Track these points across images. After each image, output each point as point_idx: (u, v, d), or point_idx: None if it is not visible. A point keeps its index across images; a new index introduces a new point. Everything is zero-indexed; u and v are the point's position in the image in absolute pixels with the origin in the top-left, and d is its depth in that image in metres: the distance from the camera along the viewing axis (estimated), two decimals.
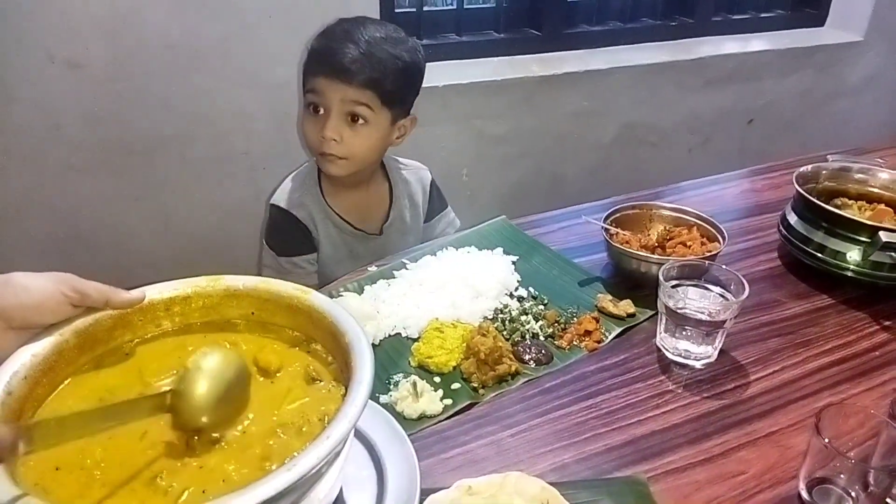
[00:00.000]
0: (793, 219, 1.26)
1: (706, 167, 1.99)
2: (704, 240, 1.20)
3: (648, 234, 1.26)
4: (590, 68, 2.29)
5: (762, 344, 1.06)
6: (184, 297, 0.80)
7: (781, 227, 1.28)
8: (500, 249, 1.25)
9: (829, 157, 1.40)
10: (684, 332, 1.00)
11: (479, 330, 0.99)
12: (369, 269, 1.21)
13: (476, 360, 0.96)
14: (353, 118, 1.26)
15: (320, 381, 0.73)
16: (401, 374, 0.97)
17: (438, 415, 0.90)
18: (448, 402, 0.92)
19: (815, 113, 2.81)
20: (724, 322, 0.98)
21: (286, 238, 1.38)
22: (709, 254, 1.14)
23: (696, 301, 1.01)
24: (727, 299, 1.01)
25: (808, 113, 2.79)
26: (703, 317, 0.99)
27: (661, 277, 1.01)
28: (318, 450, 0.58)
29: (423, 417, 0.90)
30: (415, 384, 0.92)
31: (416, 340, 1.03)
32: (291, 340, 0.80)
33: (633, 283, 1.18)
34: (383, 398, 0.92)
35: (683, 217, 1.25)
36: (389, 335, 1.05)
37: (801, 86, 2.72)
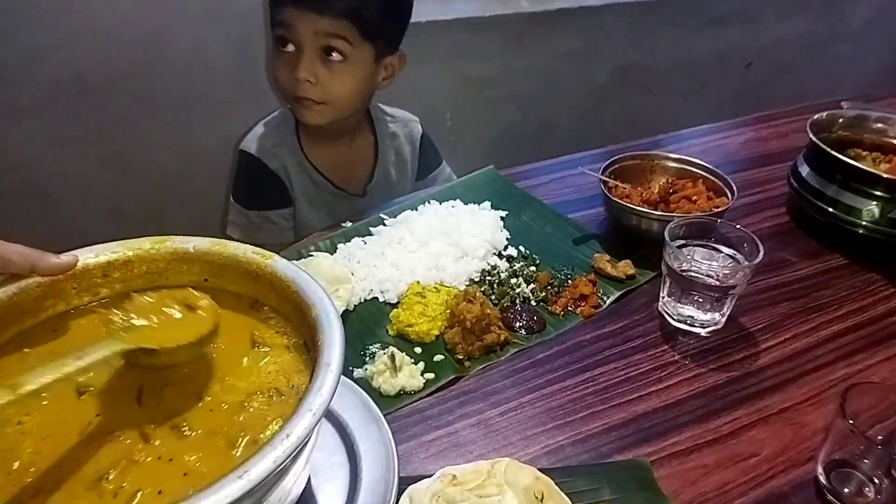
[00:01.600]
0: (804, 170, 1.16)
1: (702, 114, 1.89)
2: (711, 194, 1.10)
3: (649, 188, 1.16)
4: (583, 5, 2.14)
5: (771, 308, 0.97)
6: (124, 262, 0.70)
7: (792, 180, 1.19)
8: (487, 203, 1.14)
9: (843, 104, 1.29)
10: (690, 298, 0.91)
11: (464, 295, 0.89)
12: (343, 225, 1.10)
13: (461, 329, 0.87)
14: (328, 52, 1.11)
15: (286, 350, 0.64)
16: (378, 345, 0.87)
17: (419, 391, 0.81)
18: (430, 376, 0.83)
19: (814, 57, 2.69)
20: (734, 287, 0.89)
21: (256, 189, 1.26)
22: (716, 210, 1.04)
23: (704, 263, 0.92)
24: (738, 262, 0.92)
25: (807, 57, 2.68)
26: (712, 281, 0.89)
27: (666, 237, 0.91)
28: (276, 452, 0.49)
29: (402, 394, 0.80)
30: (393, 357, 0.82)
31: (394, 306, 0.93)
32: (250, 310, 0.69)
33: (632, 241, 1.08)
34: (358, 372, 0.83)
35: (688, 169, 1.15)
36: (365, 300, 0.95)
37: (802, 28, 2.60)
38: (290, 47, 1.11)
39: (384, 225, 1.08)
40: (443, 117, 2.11)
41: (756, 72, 2.63)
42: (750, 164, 1.36)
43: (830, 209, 1.10)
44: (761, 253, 0.88)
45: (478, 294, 0.89)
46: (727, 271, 0.89)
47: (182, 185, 1.80)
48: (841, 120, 1.21)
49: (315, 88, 1.12)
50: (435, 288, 0.94)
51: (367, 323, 0.91)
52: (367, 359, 0.85)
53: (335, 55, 1.11)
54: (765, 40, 2.54)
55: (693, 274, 0.90)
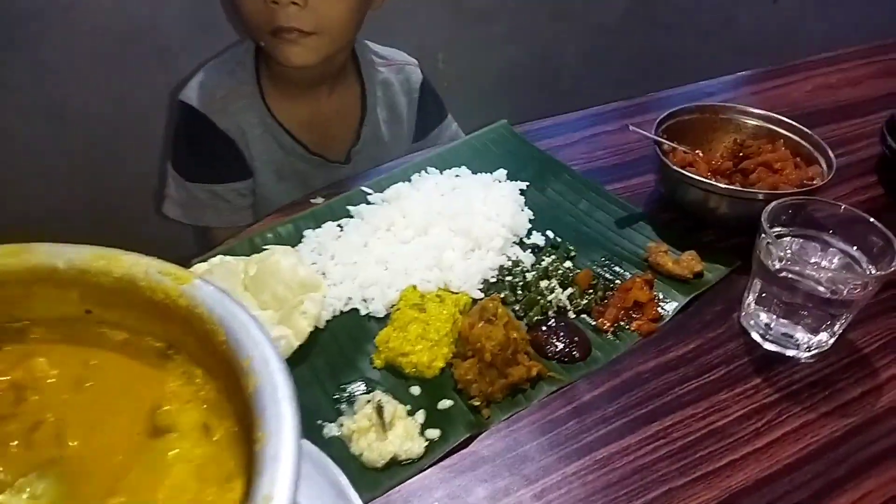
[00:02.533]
0: None
1: (725, 56, 1.62)
2: (798, 160, 0.83)
3: (710, 150, 0.89)
4: None
5: (887, 319, 0.73)
6: None
7: (888, 138, 0.92)
8: (502, 172, 0.87)
9: None
10: (793, 311, 0.66)
11: (481, 312, 0.63)
12: (313, 202, 0.83)
13: (478, 363, 0.61)
14: None
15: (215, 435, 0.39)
16: (359, 383, 0.62)
17: (419, 459, 0.56)
18: (434, 434, 0.57)
19: None
20: (852, 302, 0.64)
21: (201, 154, 0.98)
22: (810, 184, 0.79)
23: (815, 264, 0.66)
24: (856, 262, 0.67)
25: None
26: (823, 291, 0.64)
27: (764, 222, 0.66)
28: None
29: (394, 464, 0.55)
30: (380, 408, 0.56)
31: (382, 321, 0.67)
32: (158, 361, 0.44)
33: (696, 223, 0.82)
34: (330, 429, 0.57)
35: (766, 126, 0.88)
36: (341, 312, 0.68)
37: None
38: None
39: (367, 203, 0.81)
40: (433, 58, 1.80)
41: (785, 7, 2.33)
42: (820, 118, 1.09)
43: None
44: None
45: (500, 310, 0.63)
46: (854, 281, 0.64)
47: (126, 140, 1.49)
48: None
49: (303, 13, 0.84)
50: (437, 296, 0.68)
51: (344, 349, 0.65)
52: (344, 405, 0.60)
53: None
54: None
55: (798, 279, 0.65)
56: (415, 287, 0.69)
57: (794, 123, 0.86)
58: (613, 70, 2.02)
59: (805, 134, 0.85)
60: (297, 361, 0.62)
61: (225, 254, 0.72)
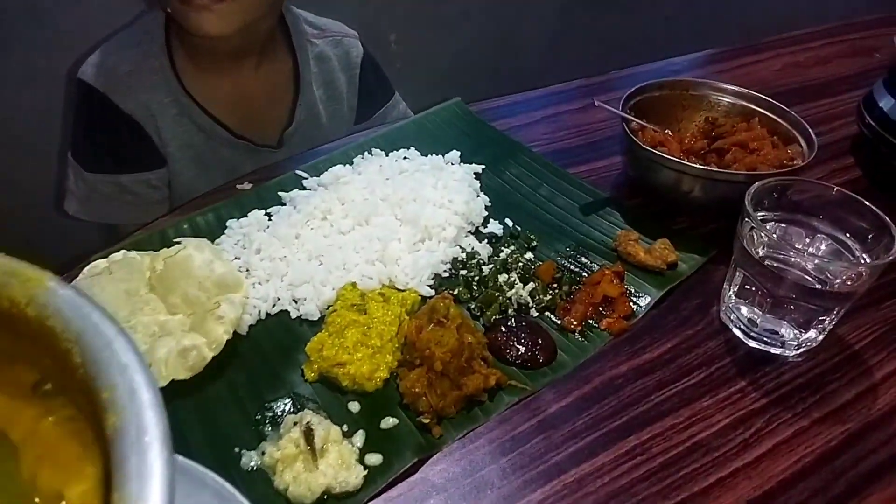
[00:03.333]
0: (888, 103, 0.84)
1: (684, 39, 1.56)
2: (775, 139, 0.77)
3: (680, 130, 0.82)
4: None
5: (875, 312, 0.66)
6: None
7: (866, 117, 0.86)
8: (455, 154, 0.78)
9: None
10: (780, 305, 0.59)
11: (429, 312, 0.54)
12: (239, 187, 0.72)
13: (428, 373, 0.52)
14: None
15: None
16: (286, 401, 0.52)
17: (358, 492, 0.47)
18: (375, 460, 0.48)
19: None
20: (844, 294, 0.57)
21: (104, 141, 0.85)
22: (790, 164, 0.72)
23: (802, 251, 0.59)
24: (851, 252, 0.60)
25: None
26: (811, 281, 0.57)
27: (747, 205, 0.58)
28: None
29: (327, 499, 0.46)
30: (309, 432, 0.47)
31: (316, 325, 0.58)
32: (31, 396, 0.34)
33: (666, 208, 0.75)
34: (249, 458, 0.48)
35: (740, 104, 0.81)
36: (268, 315, 0.59)
37: None
38: None
39: (301, 189, 0.71)
40: (384, 40, 1.70)
41: None
42: (791, 98, 1.02)
43: None
44: None
45: (452, 310, 0.54)
46: (847, 270, 0.57)
47: (9, 129, 1.33)
48: None
49: None
50: (381, 295, 0.59)
51: (270, 359, 0.55)
52: (268, 428, 0.50)
53: None
54: None
55: (784, 267, 0.58)
56: (354, 284, 0.59)
57: (770, 100, 0.79)
58: (575, 51, 1.95)
59: (782, 111, 0.78)
60: (211, 377, 0.53)
61: (130, 248, 0.61)
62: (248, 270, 0.60)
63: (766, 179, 0.61)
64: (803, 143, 0.75)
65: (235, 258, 0.62)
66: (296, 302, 0.59)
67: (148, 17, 0.86)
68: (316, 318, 0.58)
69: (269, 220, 0.66)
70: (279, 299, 0.59)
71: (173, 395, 0.51)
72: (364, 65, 1.00)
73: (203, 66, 0.85)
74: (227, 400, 0.52)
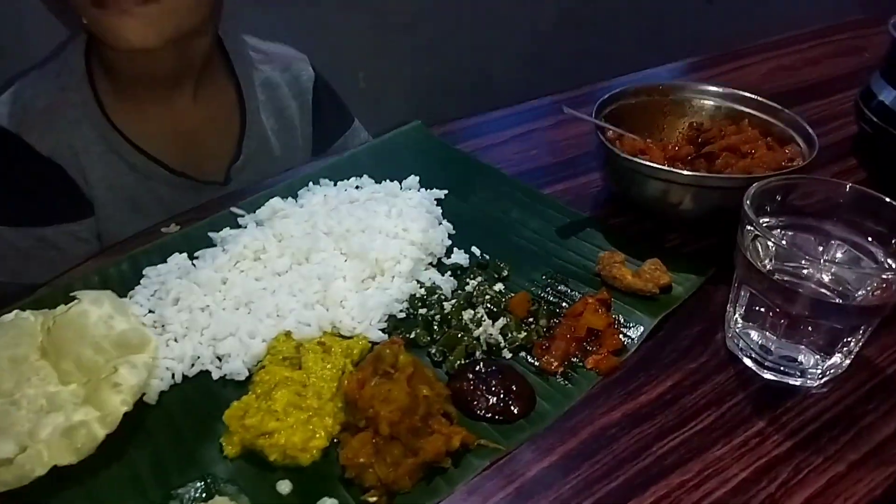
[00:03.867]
0: (889, 96, 0.76)
1: (660, 60, 1.51)
2: (769, 140, 0.68)
3: (662, 138, 0.74)
4: None
5: None
6: None
7: (865, 112, 0.79)
8: (414, 179, 0.69)
9: None
10: (795, 327, 0.49)
11: (374, 363, 0.45)
12: (165, 230, 0.63)
13: (373, 437, 0.42)
14: None
15: None
16: (199, 485, 0.42)
17: None
18: None
19: None
20: (872, 308, 0.48)
21: (17, 189, 0.76)
22: (790, 165, 0.63)
23: (814, 260, 0.50)
24: (876, 259, 0.51)
25: None
26: (830, 296, 0.48)
27: (747, 210, 0.49)
28: None
29: None
30: None
31: (243, 387, 0.48)
32: None
33: (654, 225, 0.66)
34: None
35: (727, 105, 0.73)
36: (185, 378, 0.49)
37: None
38: None
39: (238, 227, 0.62)
40: (353, 75, 1.65)
41: (719, 8, 2.27)
42: (783, 101, 0.94)
43: None
44: None
45: (402, 357, 0.45)
46: (872, 278, 0.48)
47: None
48: None
49: None
50: (321, 344, 0.49)
51: (183, 433, 0.45)
52: None
53: None
54: None
55: (797, 281, 0.49)
56: (288, 334, 0.50)
57: (760, 99, 0.71)
58: (549, 75, 1.89)
59: (775, 110, 0.70)
60: (106, 458, 0.43)
61: (30, 306, 0.52)
62: (163, 326, 0.51)
63: (765, 180, 0.52)
64: (802, 142, 0.66)
65: (149, 312, 0.52)
66: (220, 360, 0.49)
67: (67, 48, 0.77)
68: (243, 378, 0.49)
69: (193, 265, 0.56)
70: (199, 358, 0.49)
71: (57, 485, 0.41)
72: (317, 89, 0.92)
73: (132, 96, 0.77)
74: (125, 487, 0.42)
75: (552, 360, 0.52)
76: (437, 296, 0.56)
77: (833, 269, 0.50)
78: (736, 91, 0.73)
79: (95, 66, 0.75)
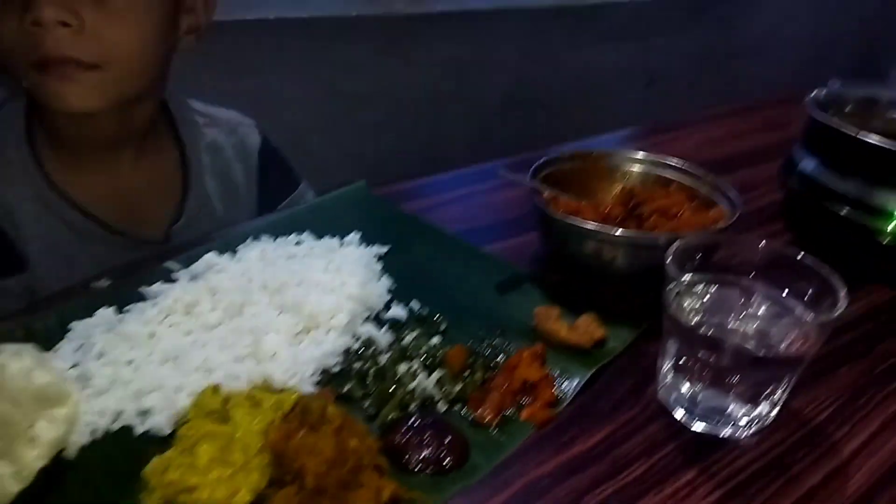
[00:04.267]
0: (809, 165, 0.81)
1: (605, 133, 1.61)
2: (696, 204, 0.72)
3: (596, 202, 0.76)
4: (467, 8, 1.81)
5: (832, 380, 0.59)
6: None
7: (790, 180, 0.83)
8: (355, 236, 0.70)
9: (830, 82, 0.98)
10: (721, 380, 0.51)
11: (301, 415, 0.44)
12: (95, 284, 0.62)
13: (299, 491, 0.41)
14: None
15: None
16: None
17: None
18: None
19: (717, 73, 2.52)
20: (793, 360, 0.50)
21: None
22: (713, 227, 0.66)
23: (738, 315, 0.52)
24: (795, 312, 0.53)
25: (709, 73, 2.50)
26: (753, 347, 0.50)
27: (669, 267, 0.51)
28: None
29: None
30: None
31: (166, 442, 0.46)
32: None
33: (590, 282, 0.68)
34: None
35: (654, 172, 0.77)
36: (107, 433, 0.47)
37: (699, 43, 2.43)
38: None
39: (171, 280, 0.61)
40: (306, 144, 1.67)
41: (658, 89, 2.42)
42: (712, 169, 1.00)
43: (848, 214, 0.75)
44: (842, 295, 0.49)
45: (330, 409, 0.44)
46: (791, 332, 0.49)
47: None
48: (850, 96, 0.87)
49: (79, 40, 0.64)
50: (249, 398, 0.48)
51: (100, 490, 0.43)
52: None
53: None
54: (664, 56, 2.35)
55: (720, 335, 0.51)
56: (216, 388, 0.49)
57: (684, 167, 0.75)
58: (496, 147, 1.96)
59: (698, 176, 0.74)
60: None
61: None
62: (87, 380, 0.49)
63: (686, 238, 0.55)
64: (726, 205, 0.70)
65: (73, 366, 0.50)
66: (143, 414, 0.48)
67: (6, 106, 0.77)
68: (167, 433, 0.47)
69: (120, 320, 0.55)
70: (122, 413, 0.47)
71: None
72: (263, 153, 0.93)
73: (72, 156, 0.76)
74: None
75: (487, 412, 0.52)
76: (372, 349, 0.56)
77: (757, 322, 0.52)
78: (662, 159, 0.77)
79: (36, 129, 0.75)
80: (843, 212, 0.75)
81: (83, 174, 0.77)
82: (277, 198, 0.93)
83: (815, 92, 0.85)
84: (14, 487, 0.40)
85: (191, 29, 0.77)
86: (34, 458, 0.42)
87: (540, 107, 2.08)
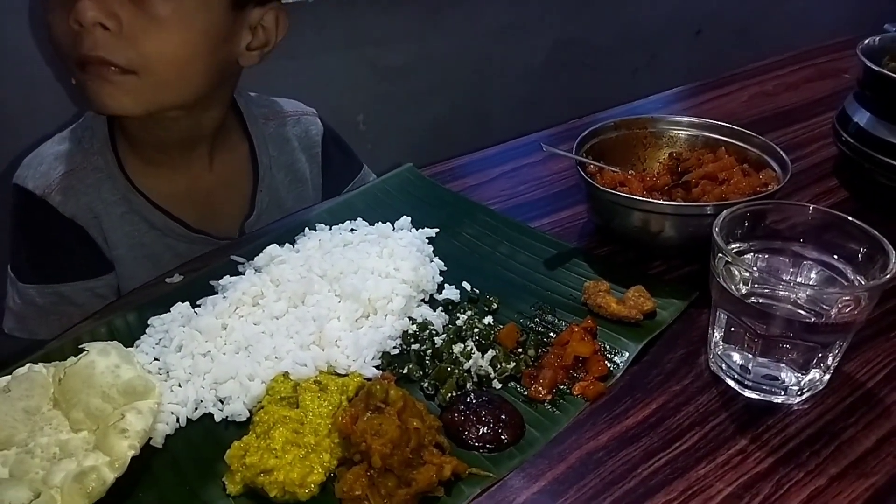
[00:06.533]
0: (862, 118, 0.79)
1: (654, 90, 1.56)
2: (746, 167, 0.71)
3: (644, 169, 0.77)
4: None
5: (886, 341, 0.59)
6: None
7: (843, 134, 0.81)
8: (405, 220, 0.72)
9: (887, 26, 0.94)
10: (772, 347, 0.51)
11: (366, 398, 0.47)
12: (169, 280, 0.66)
13: (367, 470, 0.44)
14: None
15: None
16: None
17: None
18: None
19: (767, 17, 2.40)
20: (845, 325, 0.50)
21: (43, 250, 0.80)
22: (764, 190, 0.66)
23: (789, 283, 0.53)
24: (844, 277, 0.53)
25: (760, 18, 2.39)
26: (806, 314, 0.50)
27: (717, 237, 0.52)
28: None
29: None
30: None
31: (244, 427, 0.50)
32: None
33: (638, 253, 0.69)
34: None
35: (703, 135, 0.76)
36: (189, 421, 0.51)
37: None
38: None
39: (239, 274, 0.65)
40: (353, 121, 1.70)
41: (707, 39, 2.33)
42: (763, 126, 0.98)
43: None
44: (892, 258, 0.49)
45: (392, 392, 0.47)
46: (842, 297, 0.49)
47: None
48: None
49: (115, 43, 0.65)
50: (317, 383, 0.52)
51: (187, 474, 0.48)
52: None
53: None
54: (712, 2, 2.25)
55: (772, 303, 0.51)
56: (286, 375, 0.52)
57: (733, 127, 0.74)
58: (544, 111, 1.94)
59: (748, 136, 0.73)
60: (114, 502, 0.45)
61: (41, 359, 0.55)
62: (168, 373, 0.53)
63: (735, 207, 0.55)
64: (776, 167, 0.69)
65: (155, 359, 0.55)
66: (221, 402, 0.52)
67: (89, 113, 0.81)
68: (244, 419, 0.51)
69: (196, 313, 0.59)
70: (202, 401, 0.52)
71: None
72: (325, 141, 0.95)
73: (150, 160, 0.80)
74: None
75: (540, 388, 0.54)
76: (428, 331, 0.58)
77: (808, 291, 0.53)
78: (710, 121, 0.76)
79: (117, 132, 0.79)
80: None
81: (161, 176, 0.81)
82: (340, 182, 0.96)
83: (867, 40, 0.82)
84: (111, 476, 0.45)
85: (256, 46, 0.77)
86: (126, 448, 0.46)
87: (586, 67, 2.04)
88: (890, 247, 0.49)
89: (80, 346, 0.52)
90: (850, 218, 0.53)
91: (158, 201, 0.81)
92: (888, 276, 0.48)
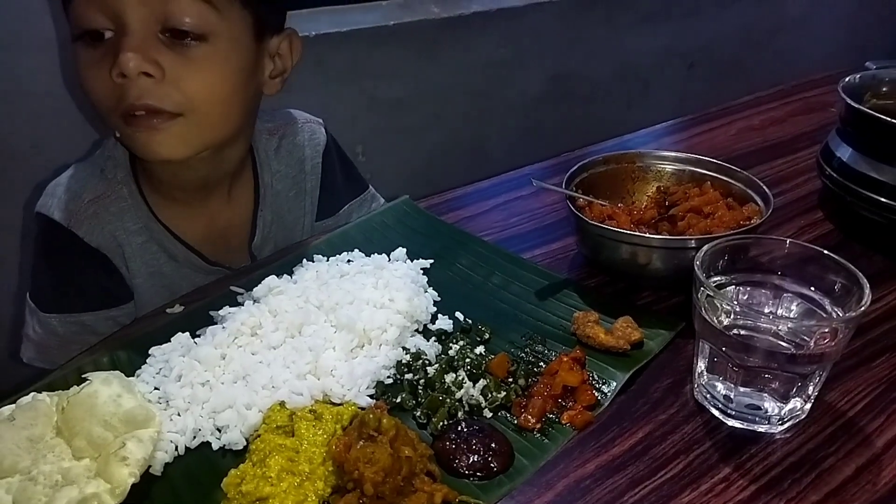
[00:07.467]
0: (844, 153, 0.81)
1: (648, 121, 1.59)
2: (730, 201, 0.73)
3: (633, 202, 0.79)
4: (503, 6, 1.83)
5: (865, 371, 0.60)
6: None
7: (826, 169, 0.84)
8: (401, 251, 0.74)
9: (867, 64, 0.97)
10: (753, 377, 0.53)
11: (359, 427, 0.49)
12: (170, 311, 0.68)
13: (360, 498, 0.46)
14: (181, 35, 0.67)
15: None
16: None
17: None
18: None
19: (758, 52, 2.46)
20: (823, 355, 0.52)
21: (67, 280, 0.80)
22: (747, 224, 0.68)
23: (770, 315, 0.54)
24: (822, 309, 0.55)
25: (750, 52, 2.45)
26: (785, 346, 0.52)
27: (697, 272, 0.54)
28: None
29: None
30: None
31: (241, 456, 0.52)
32: None
33: (627, 285, 0.70)
34: None
35: (689, 170, 0.78)
36: (187, 449, 0.53)
37: (741, 21, 2.38)
38: (107, 35, 0.66)
39: (238, 304, 0.66)
40: (353, 152, 1.72)
41: (699, 71, 2.38)
42: (749, 160, 1.00)
43: (887, 202, 0.76)
44: (866, 292, 0.51)
45: (385, 421, 0.49)
46: (821, 329, 0.51)
47: None
48: (885, 80, 0.87)
49: (161, 89, 0.67)
50: (312, 412, 0.53)
51: (185, 501, 0.49)
52: None
53: (192, 40, 0.68)
54: (705, 37, 2.31)
55: (753, 335, 0.53)
56: (282, 404, 0.54)
57: (717, 162, 0.76)
58: (540, 143, 1.98)
59: (732, 171, 0.75)
60: None
61: (45, 388, 0.57)
62: (168, 402, 0.55)
63: (715, 241, 0.57)
64: (759, 201, 0.71)
65: (155, 389, 0.56)
66: (219, 431, 0.53)
67: (109, 142, 0.81)
68: (241, 448, 0.52)
69: (195, 343, 0.61)
70: (200, 430, 0.53)
71: None
72: (326, 153, 0.94)
73: (170, 197, 0.82)
74: None
75: (530, 417, 0.55)
76: (421, 361, 0.60)
77: (789, 324, 0.54)
78: (695, 155, 0.78)
79: (138, 165, 0.80)
80: (882, 199, 0.75)
81: (181, 211, 0.82)
82: (339, 200, 0.96)
83: (848, 77, 0.85)
84: (111, 503, 0.46)
85: (276, 73, 0.79)
86: (126, 475, 0.47)
87: (580, 99, 2.08)
88: (864, 280, 0.51)
89: (83, 376, 0.54)
90: (825, 252, 0.55)
91: (178, 232, 0.82)
92: (863, 308, 0.50)
